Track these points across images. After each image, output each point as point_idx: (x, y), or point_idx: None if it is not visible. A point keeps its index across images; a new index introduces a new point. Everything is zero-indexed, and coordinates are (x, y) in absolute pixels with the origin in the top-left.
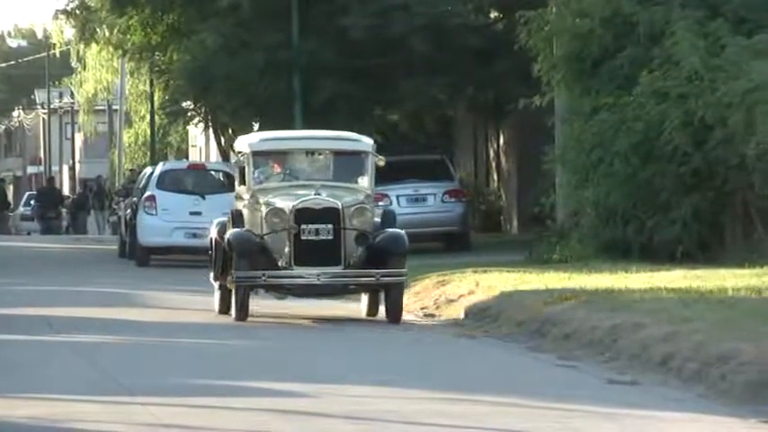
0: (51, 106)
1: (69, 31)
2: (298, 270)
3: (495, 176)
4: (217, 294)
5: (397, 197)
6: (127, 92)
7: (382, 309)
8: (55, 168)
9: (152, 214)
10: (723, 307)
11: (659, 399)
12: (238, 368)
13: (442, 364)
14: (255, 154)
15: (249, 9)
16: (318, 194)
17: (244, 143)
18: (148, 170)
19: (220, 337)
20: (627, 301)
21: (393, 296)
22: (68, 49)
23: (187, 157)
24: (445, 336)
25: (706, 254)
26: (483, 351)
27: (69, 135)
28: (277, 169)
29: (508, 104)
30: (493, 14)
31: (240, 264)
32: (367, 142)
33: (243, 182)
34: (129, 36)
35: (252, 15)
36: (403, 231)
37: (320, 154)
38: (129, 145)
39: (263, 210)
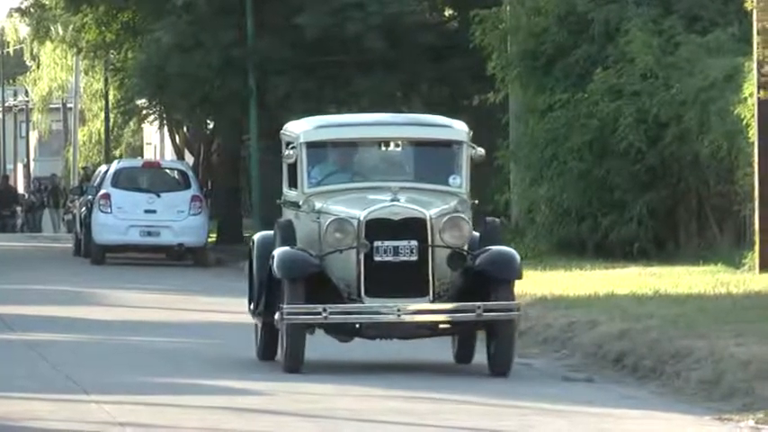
0: (5, 104)
1: (24, 29)
2: (370, 303)
3: None
4: (258, 333)
5: None
6: (81, 90)
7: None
8: (9, 167)
9: (107, 212)
10: (678, 304)
11: (614, 396)
12: (194, 366)
13: (398, 362)
14: (310, 146)
15: (204, 7)
16: (397, 200)
17: (294, 132)
18: (103, 168)
19: (177, 335)
20: (582, 298)
21: (501, 339)
22: (22, 47)
23: (142, 156)
24: None
25: (661, 251)
26: (438, 348)
27: (24, 133)
28: (339, 166)
29: (463, 102)
30: (447, 12)
31: (293, 295)
32: (460, 129)
33: (293, 183)
34: (83, 34)
35: (207, 14)
36: (513, 250)
37: (398, 145)
38: (84, 143)
39: (323, 221)
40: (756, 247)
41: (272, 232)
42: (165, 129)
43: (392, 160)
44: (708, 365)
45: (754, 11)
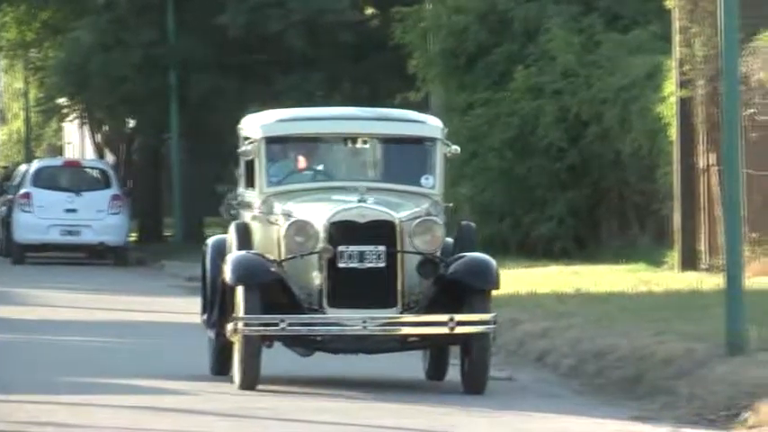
0: None
1: None
2: (334, 313)
3: None
4: (211, 346)
5: None
6: (1, 89)
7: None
8: None
9: (27, 212)
10: (599, 303)
11: (536, 395)
12: (117, 366)
13: (321, 360)
14: (270, 141)
15: (125, 6)
16: (364, 201)
17: (253, 126)
18: (23, 167)
19: (100, 335)
20: (503, 297)
21: (475, 354)
22: None
23: (62, 155)
24: None
25: (582, 250)
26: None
27: None
28: (301, 164)
29: (384, 100)
30: (368, 11)
31: (248, 304)
32: (434, 125)
33: (251, 182)
34: (3, 33)
35: (128, 12)
36: (489, 257)
37: (366, 141)
38: (4, 142)
39: (282, 223)
40: (677, 246)
41: (226, 236)
42: (86, 127)
43: (359, 158)
44: (629, 364)
45: (675, 9)
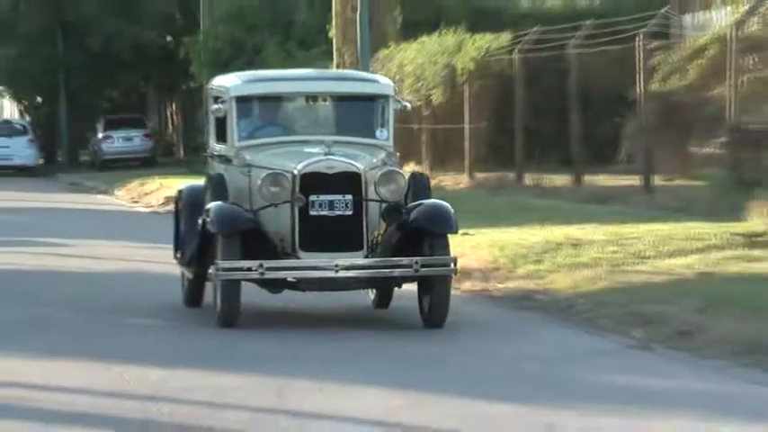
0: None
1: None
2: (306, 257)
3: (171, 126)
4: (184, 282)
5: (117, 138)
6: None
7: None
8: None
9: None
10: None
11: None
12: (25, 231)
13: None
14: (240, 100)
15: (24, 34)
16: (331, 154)
17: (223, 85)
18: None
19: (15, 214)
20: None
21: (437, 293)
22: None
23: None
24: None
25: None
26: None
27: None
28: (268, 120)
29: (179, 86)
30: (168, 38)
31: (228, 250)
32: (386, 83)
33: (221, 137)
34: None
35: (26, 43)
36: (446, 203)
37: (325, 99)
38: None
39: (255, 175)
40: None
41: (199, 183)
42: (15, 102)
43: (320, 114)
44: None
45: (334, 36)
